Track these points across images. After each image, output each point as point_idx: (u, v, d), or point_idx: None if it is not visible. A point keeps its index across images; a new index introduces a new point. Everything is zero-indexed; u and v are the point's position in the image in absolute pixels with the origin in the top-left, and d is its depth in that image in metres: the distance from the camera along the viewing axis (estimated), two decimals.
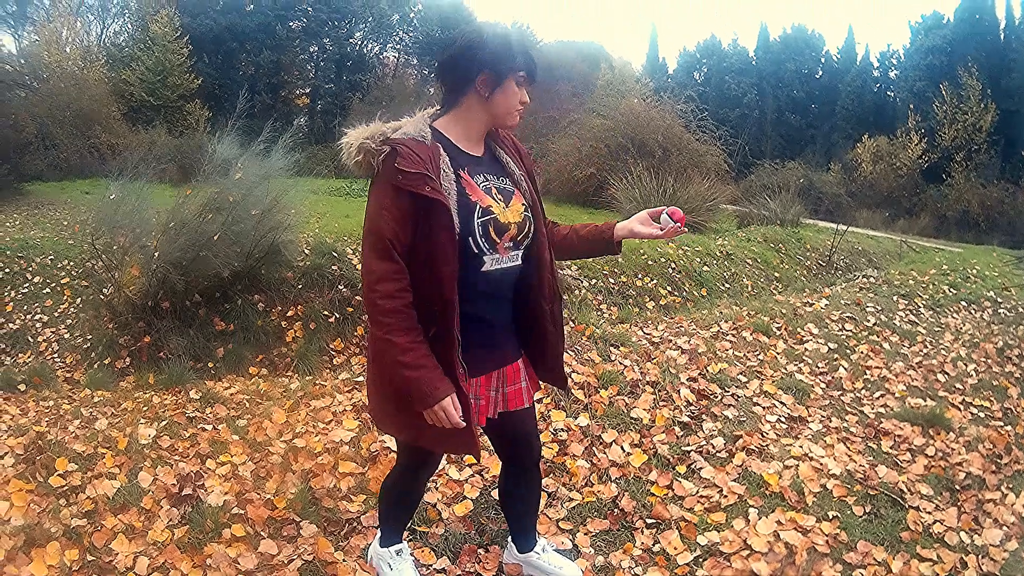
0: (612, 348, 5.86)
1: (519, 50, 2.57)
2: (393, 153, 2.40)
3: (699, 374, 5.67)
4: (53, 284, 10.02)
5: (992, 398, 6.04)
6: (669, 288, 11.03)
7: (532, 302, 2.75)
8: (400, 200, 2.39)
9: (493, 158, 2.73)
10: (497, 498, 3.84)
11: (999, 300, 9.42)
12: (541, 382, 2.99)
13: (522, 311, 2.77)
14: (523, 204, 2.66)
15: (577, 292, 9.93)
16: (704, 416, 5.04)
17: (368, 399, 2.85)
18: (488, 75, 2.53)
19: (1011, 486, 4.39)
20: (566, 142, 26.10)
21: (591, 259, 10.66)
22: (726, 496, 4.08)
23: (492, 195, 2.58)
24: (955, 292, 9.70)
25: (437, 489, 4.09)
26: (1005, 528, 3.93)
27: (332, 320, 8.24)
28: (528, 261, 2.69)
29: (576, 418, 4.86)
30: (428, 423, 2.50)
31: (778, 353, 6.48)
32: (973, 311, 9.00)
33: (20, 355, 8.63)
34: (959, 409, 5.70)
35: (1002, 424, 5.47)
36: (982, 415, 5.66)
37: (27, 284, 10.04)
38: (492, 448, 3.47)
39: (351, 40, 47.82)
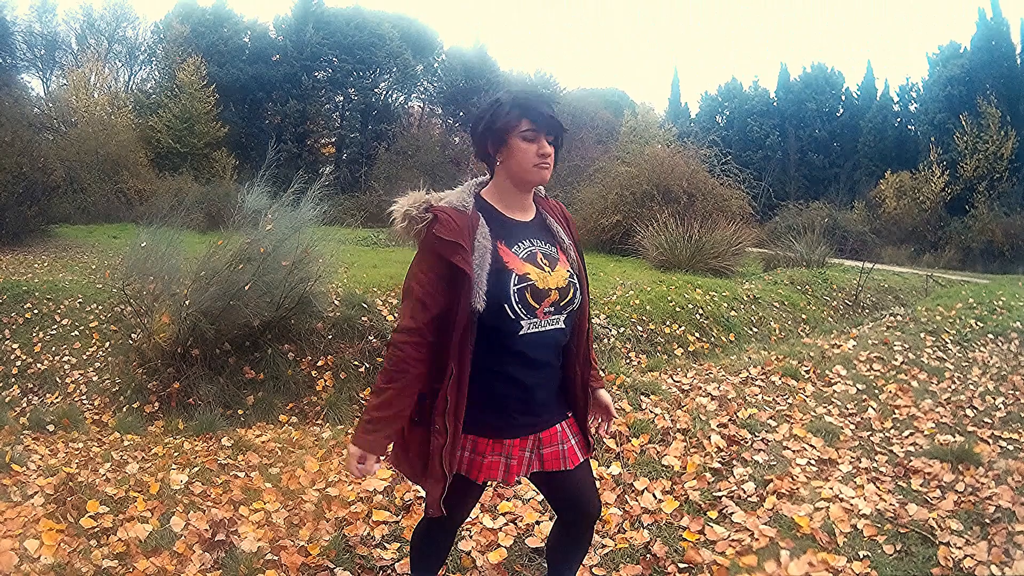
0: (643, 396, 5.87)
1: (515, 105, 2.61)
2: (434, 220, 2.53)
3: (729, 420, 5.66)
4: (81, 327, 10.09)
5: (1021, 430, 5.99)
6: (697, 334, 11.02)
7: (568, 367, 2.82)
8: (437, 265, 2.53)
9: (543, 224, 2.80)
10: (531, 545, 3.88)
11: None
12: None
13: (564, 377, 2.84)
14: (568, 271, 2.71)
15: (606, 340, 9.95)
16: (735, 462, 5.04)
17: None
18: (493, 142, 2.64)
19: None
20: (591, 190, 26.05)
21: (619, 306, 10.73)
22: (757, 539, 4.07)
23: (536, 261, 2.64)
24: (982, 325, 9.65)
25: (471, 537, 4.11)
26: None
27: (362, 370, 8.30)
28: (569, 326, 2.74)
29: (608, 467, 4.88)
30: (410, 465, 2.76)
31: (807, 396, 6.48)
32: (1000, 343, 8.95)
33: (48, 395, 8.69)
34: (988, 443, 5.65)
35: None
36: (1011, 448, 5.62)
37: (55, 326, 10.13)
38: (513, 496, 3.47)
39: (376, 90, 48.15)
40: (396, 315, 9.14)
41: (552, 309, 2.63)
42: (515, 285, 2.55)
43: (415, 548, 3.23)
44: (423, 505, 2.68)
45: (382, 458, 2.74)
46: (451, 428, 2.56)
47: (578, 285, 2.73)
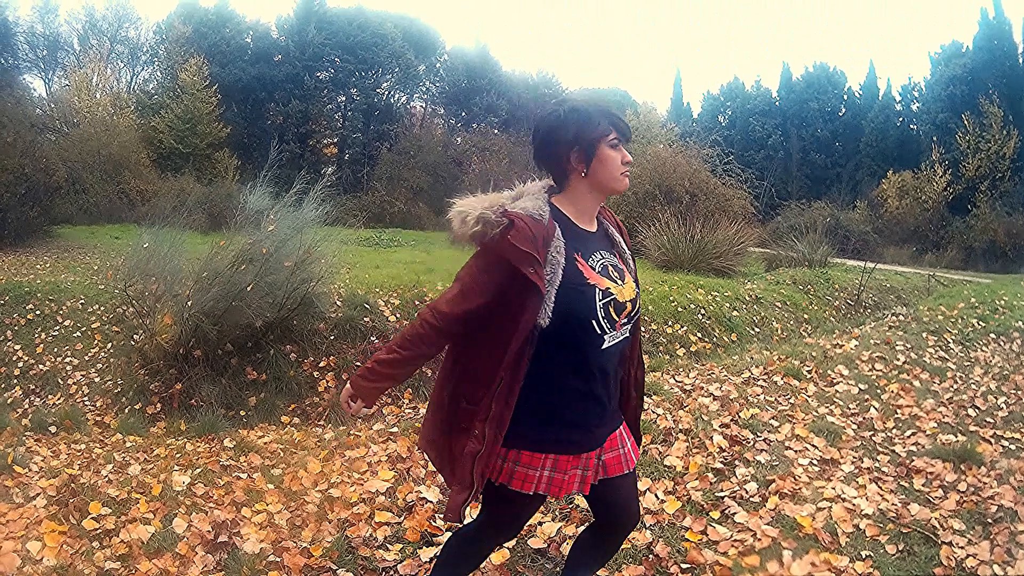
0: (645, 397, 5.87)
1: (600, 114, 2.57)
2: (510, 225, 2.44)
3: (731, 420, 5.66)
4: (84, 328, 10.10)
5: (1023, 430, 6.00)
6: (699, 334, 11.01)
7: (625, 371, 2.83)
8: (499, 269, 2.46)
9: (606, 234, 2.78)
10: (533, 546, 3.89)
11: None
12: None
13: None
14: (633, 281, 2.71)
15: None
16: (737, 462, 5.04)
17: (423, 426, 2.92)
18: (578, 151, 2.55)
19: None
20: None
21: None
22: (760, 539, 4.07)
23: (609, 273, 2.61)
24: (984, 325, 9.65)
25: None
26: None
27: None
28: (632, 334, 2.75)
29: None
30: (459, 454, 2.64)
31: (809, 396, 6.47)
32: (1002, 343, 8.95)
33: (50, 397, 8.70)
34: (990, 443, 5.64)
35: None
36: (1013, 447, 5.62)
37: (58, 327, 10.14)
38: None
39: (378, 90, 48.18)
40: (398, 315, 9.15)
41: (626, 320, 2.64)
42: (600, 300, 2.53)
43: (450, 551, 3.14)
44: (456, 510, 2.61)
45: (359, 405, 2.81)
46: (489, 437, 2.53)
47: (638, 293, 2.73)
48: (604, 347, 2.56)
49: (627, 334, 2.68)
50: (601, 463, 2.75)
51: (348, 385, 2.75)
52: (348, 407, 2.78)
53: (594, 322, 2.51)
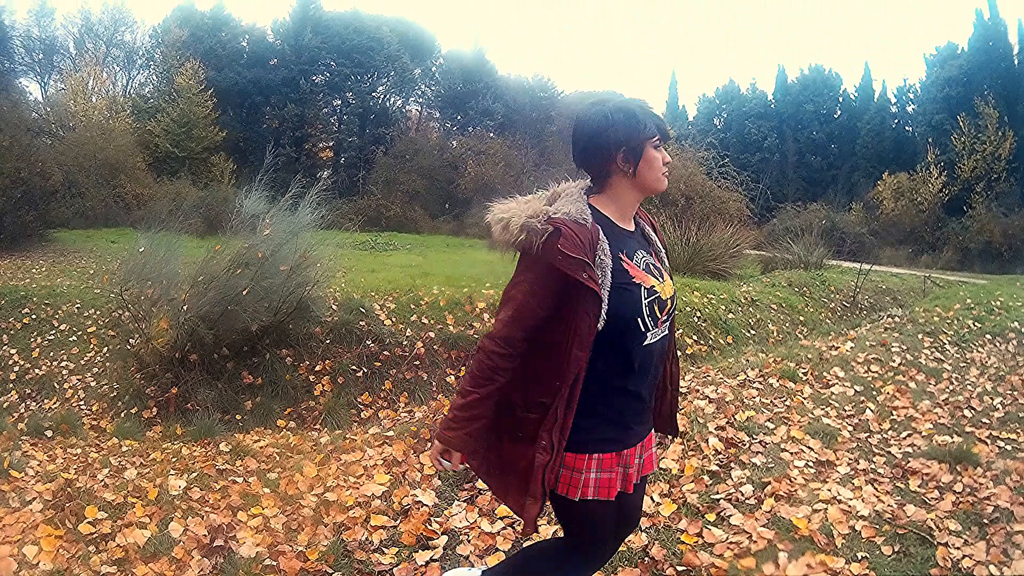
0: None
1: (645, 114, 2.56)
2: (556, 233, 2.40)
3: (727, 423, 5.66)
4: (80, 332, 10.12)
5: (1020, 430, 6.00)
6: (695, 337, 11.00)
7: (662, 366, 2.82)
8: (551, 279, 2.41)
9: (643, 233, 2.77)
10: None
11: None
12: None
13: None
14: (671, 278, 2.71)
15: None
16: (733, 464, 5.04)
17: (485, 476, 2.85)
18: (626, 152, 2.53)
19: None
20: None
21: None
22: (755, 542, 4.07)
23: (651, 271, 2.61)
24: (980, 326, 9.66)
25: (470, 541, 4.12)
26: None
27: (360, 375, 8.31)
28: (670, 330, 2.74)
29: None
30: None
31: (805, 398, 6.47)
32: (998, 344, 8.96)
33: (46, 401, 8.71)
34: (986, 444, 5.65)
35: None
36: (1009, 448, 5.63)
37: (54, 331, 10.15)
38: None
39: (374, 94, 48.29)
40: (394, 319, 9.15)
41: (666, 317, 2.63)
42: (646, 299, 2.53)
43: (529, 569, 3.03)
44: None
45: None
46: (556, 444, 2.50)
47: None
48: (647, 344, 2.57)
49: (667, 331, 2.68)
50: (641, 462, 2.76)
51: (435, 443, 2.68)
52: (441, 464, 2.71)
53: (639, 320, 2.52)
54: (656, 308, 2.56)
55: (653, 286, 2.56)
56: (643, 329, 2.53)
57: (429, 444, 5.26)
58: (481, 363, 2.54)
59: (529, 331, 2.50)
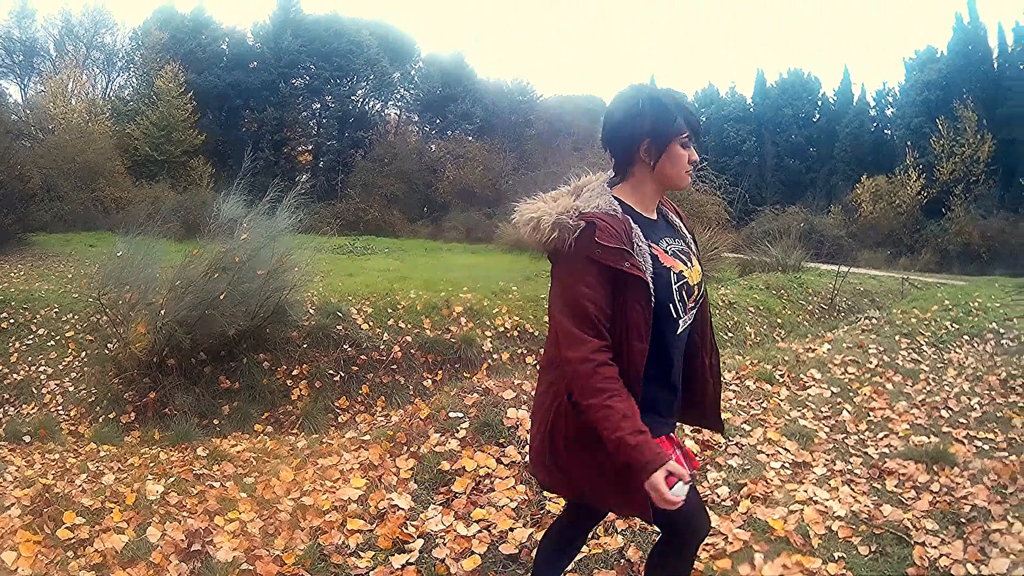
0: None
1: (678, 110, 2.51)
2: (591, 226, 2.37)
3: None
4: (58, 337, 10.06)
5: (997, 430, 6.04)
6: None
7: (698, 358, 2.75)
8: (603, 275, 2.35)
9: (667, 221, 2.74)
10: (504, 552, 3.89)
11: (1001, 331, 9.41)
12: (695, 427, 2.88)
13: (688, 366, 2.72)
14: (700, 263, 2.67)
15: None
16: (709, 466, 5.05)
17: (536, 463, 2.73)
18: (650, 144, 2.50)
19: (1017, 515, 4.37)
20: None
21: None
22: (732, 543, 4.08)
23: (679, 257, 2.58)
24: (957, 327, 9.73)
25: (446, 544, 4.12)
26: (1012, 556, 3.91)
27: (337, 379, 8.31)
28: (700, 318, 2.71)
29: None
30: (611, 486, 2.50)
31: (781, 400, 6.50)
32: (976, 344, 9.01)
33: (24, 406, 8.65)
34: (964, 443, 5.69)
35: (1007, 454, 5.46)
36: (987, 447, 5.67)
37: (31, 336, 10.09)
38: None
39: (353, 97, 48.14)
40: (371, 323, 9.15)
41: (694, 304, 2.60)
42: (675, 284, 2.50)
43: (546, 552, 3.08)
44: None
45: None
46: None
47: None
48: (679, 332, 2.54)
49: (695, 318, 2.65)
50: (683, 454, 2.65)
51: (650, 481, 2.24)
52: (675, 497, 2.25)
53: (671, 306, 2.49)
54: (684, 293, 2.52)
55: (681, 271, 2.53)
56: (675, 316, 2.50)
57: (405, 448, 5.25)
58: (591, 384, 2.32)
59: (601, 326, 2.35)
